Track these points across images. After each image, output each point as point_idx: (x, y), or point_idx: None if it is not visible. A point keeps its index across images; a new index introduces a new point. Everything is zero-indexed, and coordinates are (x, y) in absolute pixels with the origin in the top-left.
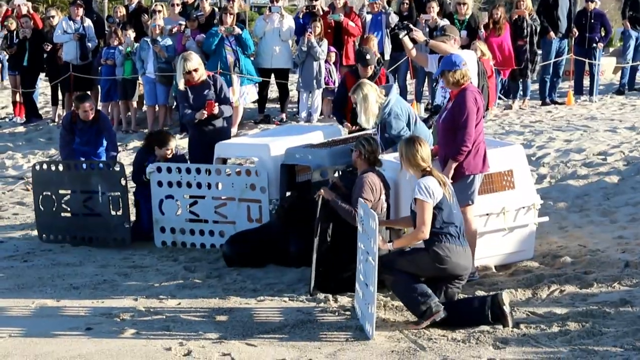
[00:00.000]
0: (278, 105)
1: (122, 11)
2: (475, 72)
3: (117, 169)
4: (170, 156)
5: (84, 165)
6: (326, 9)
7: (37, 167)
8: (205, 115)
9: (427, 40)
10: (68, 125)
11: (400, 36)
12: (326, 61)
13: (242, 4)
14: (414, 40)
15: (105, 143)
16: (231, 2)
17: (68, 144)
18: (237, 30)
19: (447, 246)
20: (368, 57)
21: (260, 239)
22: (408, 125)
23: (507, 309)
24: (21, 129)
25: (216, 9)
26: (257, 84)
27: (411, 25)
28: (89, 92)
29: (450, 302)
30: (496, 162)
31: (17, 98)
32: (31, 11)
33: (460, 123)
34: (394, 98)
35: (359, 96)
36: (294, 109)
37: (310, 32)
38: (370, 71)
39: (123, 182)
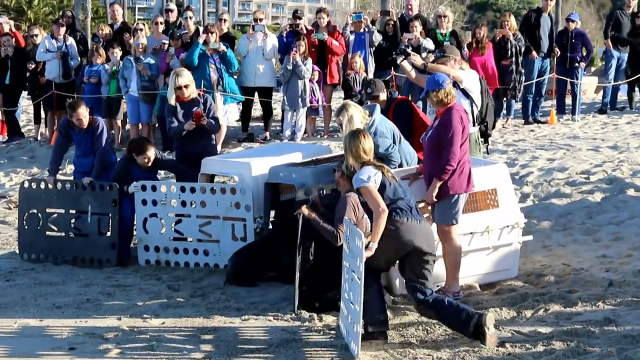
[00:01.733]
0: (262, 124)
1: (105, 30)
2: (478, 91)
3: (111, 189)
4: (149, 164)
5: (75, 185)
6: (310, 27)
7: (26, 185)
8: (194, 126)
9: (425, 63)
10: (64, 130)
11: (399, 61)
12: (310, 80)
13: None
14: (412, 64)
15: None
16: (219, 22)
17: (60, 147)
18: (222, 47)
19: (397, 219)
20: (369, 90)
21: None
22: (393, 143)
23: (488, 331)
24: (3, 147)
25: (200, 28)
26: (239, 103)
27: (409, 50)
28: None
29: (443, 301)
30: (480, 181)
31: None
32: (13, 29)
33: (446, 142)
34: (378, 117)
35: (345, 118)
36: (277, 128)
37: (295, 51)
38: (379, 100)
39: (114, 203)
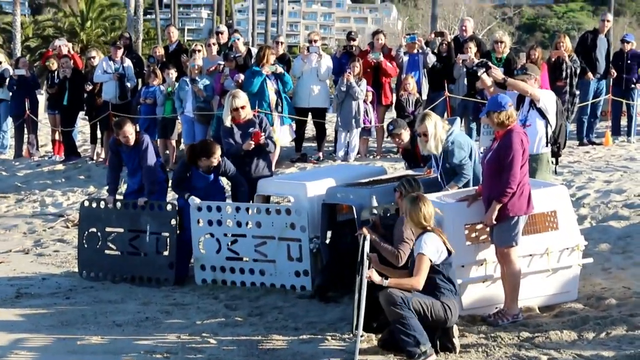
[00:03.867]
0: (314, 144)
1: (160, 51)
2: (554, 112)
3: (169, 209)
4: (215, 164)
5: (134, 204)
6: (365, 48)
7: (86, 204)
8: (252, 146)
9: (504, 78)
10: (114, 148)
11: (479, 73)
12: (364, 101)
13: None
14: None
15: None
16: (275, 44)
17: (113, 166)
18: (280, 69)
19: (455, 301)
20: (390, 127)
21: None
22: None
23: (456, 341)
24: (60, 167)
25: (252, 49)
26: (292, 124)
27: (490, 63)
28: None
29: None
30: (540, 203)
31: (57, 137)
32: (71, 52)
33: (506, 164)
34: (457, 129)
35: (431, 123)
36: (330, 148)
37: (350, 72)
38: (401, 137)
39: (173, 222)
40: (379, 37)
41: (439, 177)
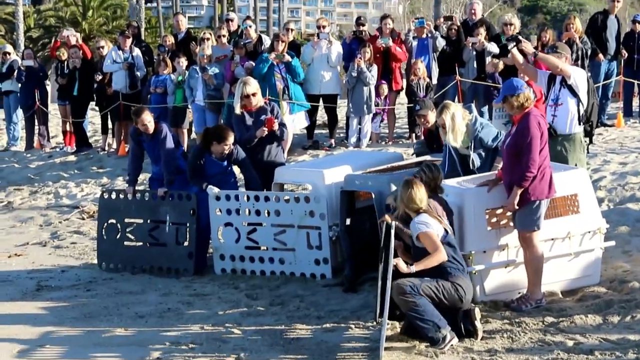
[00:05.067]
0: (326, 131)
1: (170, 40)
2: (585, 90)
3: (189, 199)
4: (227, 152)
5: (154, 195)
6: (374, 33)
7: (105, 195)
8: (266, 132)
9: (535, 52)
10: (135, 137)
11: (509, 47)
12: (377, 95)
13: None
14: (522, 52)
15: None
16: (285, 31)
17: (134, 155)
18: (287, 57)
19: (466, 279)
20: (417, 107)
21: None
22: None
23: (478, 324)
24: (72, 158)
25: (263, 36)
26: (306, 111)
27: (520, 37)
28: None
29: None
30: (561, 186)
31: (67, 127)
32: (80, 42)
33: (524, 148)
34: (476, 113)
35: (447, 115)
36: (341, 135)
37: (360, 58)
38: (427, 118)
39: (193, 212)
40: (387, 22)
41: (456, 166)
